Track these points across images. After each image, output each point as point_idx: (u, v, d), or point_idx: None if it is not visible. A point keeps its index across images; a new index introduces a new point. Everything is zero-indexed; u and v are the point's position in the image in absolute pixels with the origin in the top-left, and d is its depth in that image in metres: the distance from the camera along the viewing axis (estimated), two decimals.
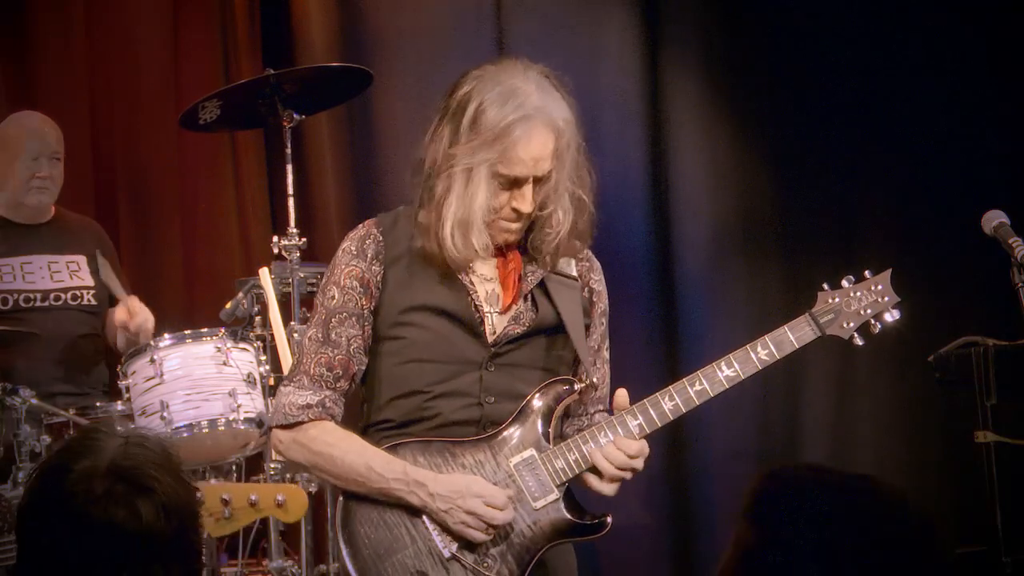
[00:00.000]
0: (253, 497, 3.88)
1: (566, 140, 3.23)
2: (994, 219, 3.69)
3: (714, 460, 6.30)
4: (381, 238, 3.27)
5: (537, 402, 3.23)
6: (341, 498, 3.25)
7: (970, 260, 5.49)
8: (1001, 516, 4.98)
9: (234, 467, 5.18)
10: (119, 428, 2.55)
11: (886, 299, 3.35)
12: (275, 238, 5.08)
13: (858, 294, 3.34)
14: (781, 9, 6.30)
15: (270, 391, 4.97)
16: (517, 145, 3.18)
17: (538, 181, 3.21)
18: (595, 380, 3.33)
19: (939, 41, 6.09)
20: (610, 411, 3.33)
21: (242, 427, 4.84)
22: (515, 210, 3.20)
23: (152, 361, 4.87)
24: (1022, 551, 4.96)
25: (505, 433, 3.21)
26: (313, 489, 4.97)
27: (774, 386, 6.18)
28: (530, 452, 3.21)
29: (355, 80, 5.35)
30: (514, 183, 3.20)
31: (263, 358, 5.03)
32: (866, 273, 3.36)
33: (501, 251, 3.28)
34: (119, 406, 5.00)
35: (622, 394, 3.25)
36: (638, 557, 6.14)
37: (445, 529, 3.16)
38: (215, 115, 5.16)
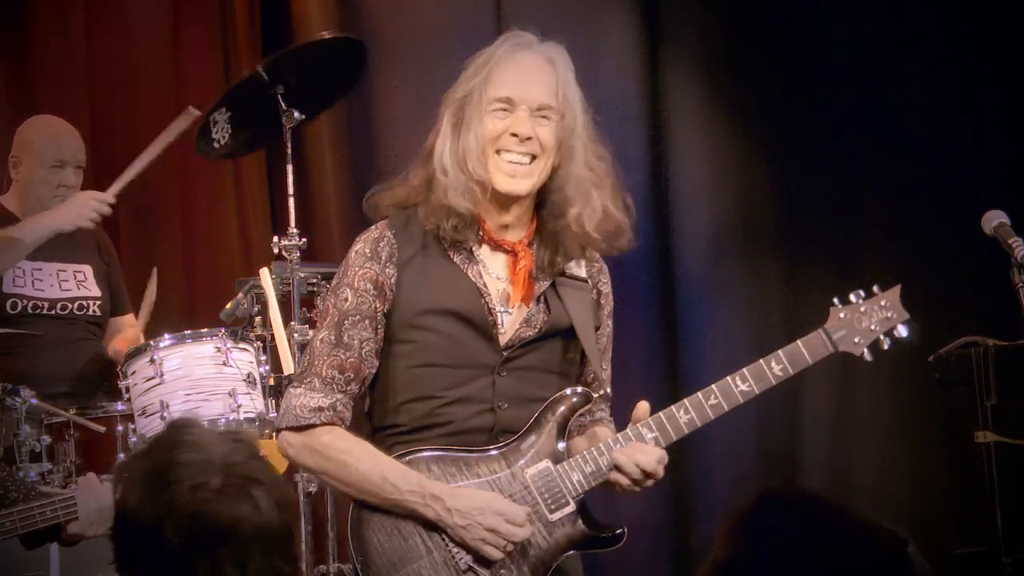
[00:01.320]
0: None
1: (569, 84, 3.25)
2: (994, 219, 3.69)
3: (714, 460, 6.30)
4: (394, 240, 3.23)
5: (552, 412, 3.21)
6: (353, 506, 3.20)
7: (970, 260, 5.50)
8: (1001, 516, 4.98)
9: None
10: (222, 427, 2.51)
11: (894, 315, 3.35)
12: (275, 238, 5.07)
13: (868, 310, 3.34)
14: (781, 9, 6.30)
15: (270, 391, 4.97)
16: (503, 65, 3.19)
17: (539, 116, 3.18)
18: (607, 390, 3.31)
19: (939, 41, 6.09)
20: (616, 417, 3.34)
21: (243, 427, 4.84)
22: (513, 134, 3.16)
23: (152, 361, 4.87)
24: (1022, 551, 4.96)
25: (520, 444, 3.19)
26: (313, 490, 4.97)
27: (774, 386, 6.18)
28: (545, 464, 3.19)
29: (349, 55, 5.27)
30: (507, 105, 3.18)
31: (263, 358, 5.02)
32: (875, 288, 3.36)
33: (512, 249, 3.25)
34: (119, 406, 5.01)
35: (643, 407, 3.23)
36: (638, 557, 6.14)
37: (461, 544, 3.13)
38: (227, 133, 5.09)
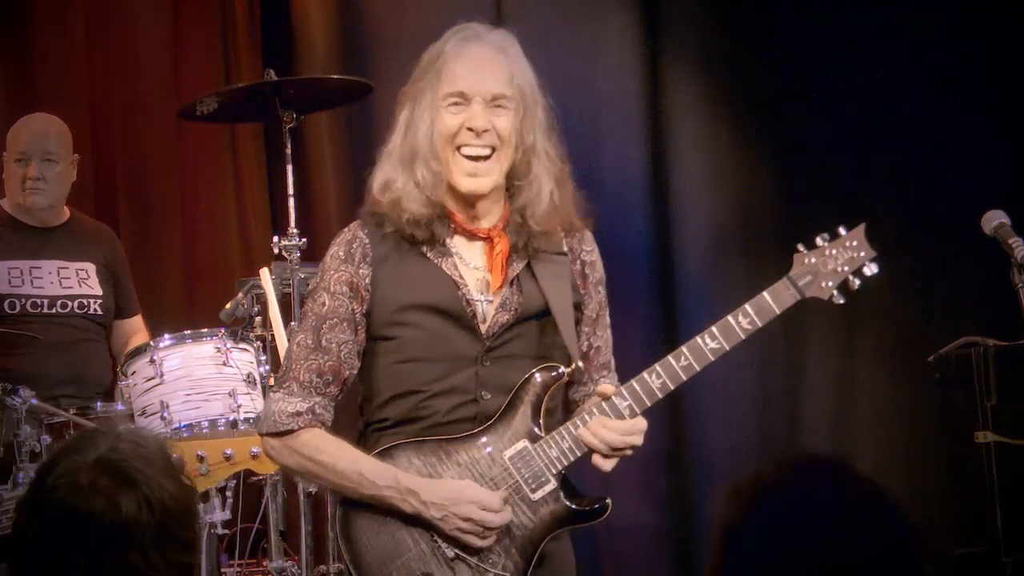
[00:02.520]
0: (228, 451, 3.88)
1: (522, 71, 3.21)
2: (994, 219, 3.69)
3: (714, 460, 6.29)
4: (367, 240, 3.25)
5: (526, 392, 3.21)
6: (339, 507, 3.24)
7: (970, 260, 5.50)
8: (1001, 516, 4.98)
9: None
10: (121, 427, 2.62)
11: (862, 254, 3.32)
12: (275, 238, 5.08)
13: (834, 252, 3.31)
14: (781, 9, 6.30)
15: (270, 391, 4.96)
16: (453, 59, 3.20)
17: (495, 106, 3.17)
18: (579, 364, 3.28)
19: (939, 41, 6.09)
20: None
21: (242, 428, 4.83)
22: (470, 129, 3.16)
23: (152, 361, 4.87)
24: (1022, 551, 4.96)
25: (497, 427, 3.20)
26: (313, 490, 4.97)
27: (774, 385, 6.18)
28: (523, 444, 3.19)
29: (355, 90, 5.37)
30: (460, 99, 3.17)
31: (263, 358, 5.02)
32: (840, 229, 3.34)
33: (487, 236, 3.24)
34: (119, 406, 5.00)
35: (605, 388, 3.22)
36: (638, 557, 6.14)
37: (441, 534, 3.15)
38: (213, 107, 5.17)
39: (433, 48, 3.25)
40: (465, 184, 3.18)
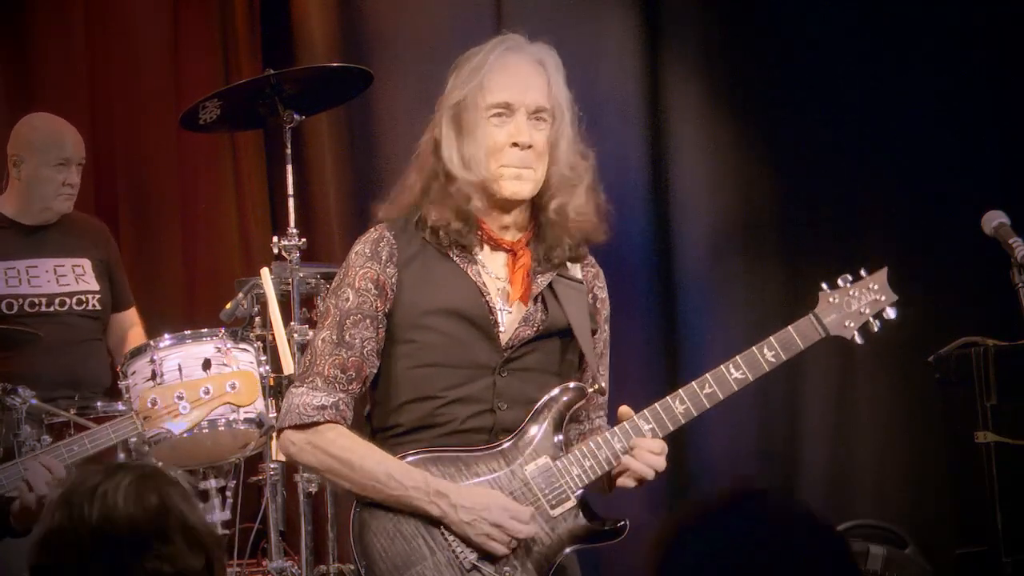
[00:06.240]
0: (207, 387, 3.85)
1: (559, 84, 3.24)
2: (994, 219, 3.70)
3: (714, 460, 6.29)
4: (394, 241, 3.25)
5: (548, 409, 3.22)
6: (355, 510, 3.21)
7: (970, 260, 5.50)
8: (1001, 516, 4.98)
9: (234, 467, 5.18)
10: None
11: (883, 298, 3.38)
12: (275, 238, 5.07)
13: (857, 293, 3.36)
14: (781, 9, 6.30)
15: (270, 391, 4.96)
16: (497, 70, 3.21)
17: (536, 119, 3.20)
18: (602, 385, 3.33)
19: (939, 41, 6.09)
20: (611, 418, 3.36)
21: (242, 427, 4.83)
22: (515, 144, 3.19)
23: (152, 361, 4.86)
24: (1022, 551, 4.96)
25: (518, 441, 3.20)
26: (313, 490, 4.97)
27: (774, 386, 6.18)
28: (544, 460, 3.20)
29: (355, 80, 5.35)
30: (505, 111, 3.19)
31: (263, 358, 5.02)
32: (862, 272, 3.39)
33: (511, 248, 3.26)
34: (119, 406, 5.00)
35: (625, 409, 3.24)
36: (638, 557, 6.14)
37: (465, 540, 3.15)
38: (215, 115, 5.16)
39: (474, 56, 3.25)
40: (508, 188, 3.20)
